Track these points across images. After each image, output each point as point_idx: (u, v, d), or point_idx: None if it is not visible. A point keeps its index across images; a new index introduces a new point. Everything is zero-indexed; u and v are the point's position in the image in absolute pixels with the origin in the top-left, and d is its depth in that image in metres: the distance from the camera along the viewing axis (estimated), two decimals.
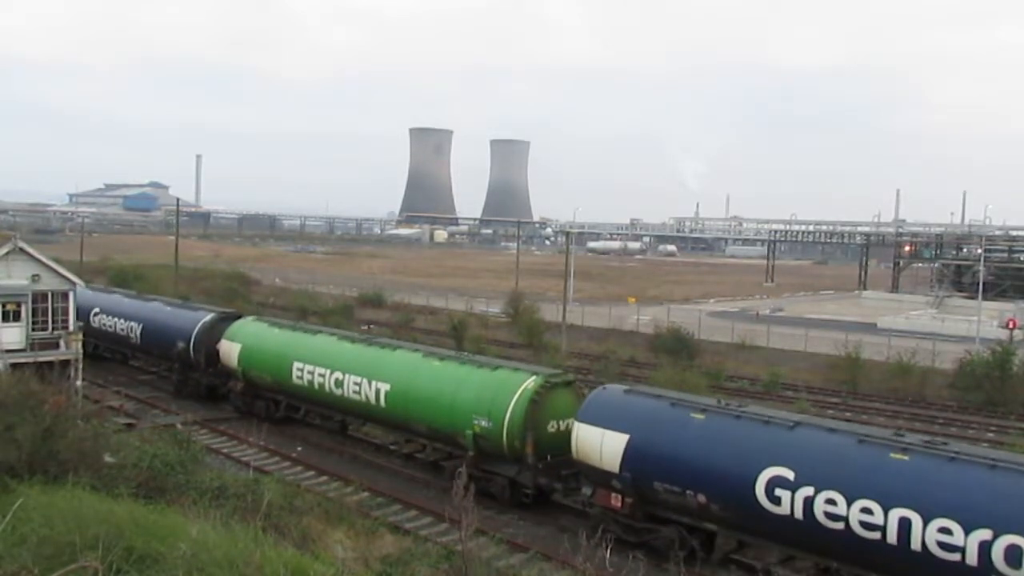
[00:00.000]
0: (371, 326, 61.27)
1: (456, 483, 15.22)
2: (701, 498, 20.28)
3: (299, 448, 32.27)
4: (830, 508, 17.94)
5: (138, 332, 42.72)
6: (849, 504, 17.65)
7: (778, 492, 18.76)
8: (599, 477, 22.62)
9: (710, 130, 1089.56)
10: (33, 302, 33.41)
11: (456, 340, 53.05)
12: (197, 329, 39.03)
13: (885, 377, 47.14)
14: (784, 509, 18.65)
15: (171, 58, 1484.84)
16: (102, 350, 46.47)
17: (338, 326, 46.46)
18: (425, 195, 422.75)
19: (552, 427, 25.34)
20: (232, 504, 20.04)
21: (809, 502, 18.25)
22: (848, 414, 40.30)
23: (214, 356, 37.77)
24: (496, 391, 25.98)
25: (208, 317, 39.65)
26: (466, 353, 31.98)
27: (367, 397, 29.84)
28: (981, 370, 44.44)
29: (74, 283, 34.99)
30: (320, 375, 31.80)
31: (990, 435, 37.48)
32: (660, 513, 21.65)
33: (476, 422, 26.05)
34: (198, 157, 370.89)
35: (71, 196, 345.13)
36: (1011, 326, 60.31)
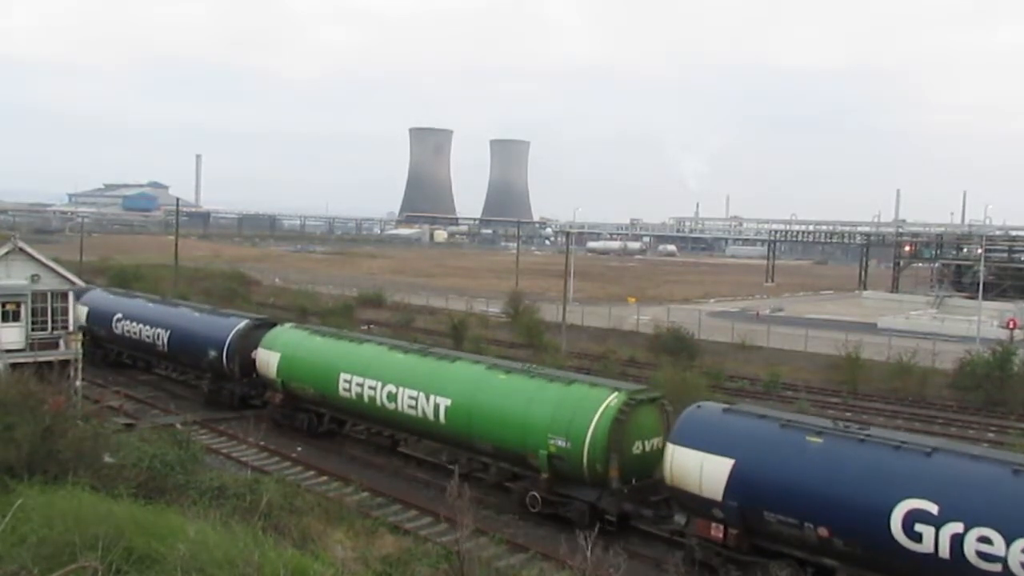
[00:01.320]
0: (371, 326, 61.26)
1: (451, 483, 15.20)
2: (823, 531, 18.58)
3: (299, 448, 32.25)
4: (984, 547, 16.29)
5: (165, 339, 41.10)
6: (1008, 543, 16.00)
7: (918, 527, 17.06)
8: (698, 505, 20.87)
9: (710, 130, 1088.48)
10: (33, 302, 33.41)
11: (456, 340, 53.05)
12: (231, 337, 37.24)
13: (885, 377, 47.11)
14: (926, 547, 17.00)
15: (171, 58, 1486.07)
16: (125, 357, 45.38)
17: (339, 326, 46.39)
18: (425, 195, 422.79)
19: (637, 448, 23.56)
20: (232, 504, 20.06)
21: (958, 540, 16.59)
22: (848, 414, 40.25)
23: (249, 365, 36.18)
24: (575, 408, 24.03)
25: (242, 324, 37.83)
26: (533, 365, 29.64)
27: (424, 412, 27.91)
28: (981, 370, 44.42)
29: (74, 283, 35.01)
30: (371, 388, 29.80)
31: (990, 435, 37.46)
32: (769, 546, 19.91)
33: (552, 442, 24.08)
34: (198, 157, 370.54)
35: (71, 196, 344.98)
36: (1011, 326, 60.26)
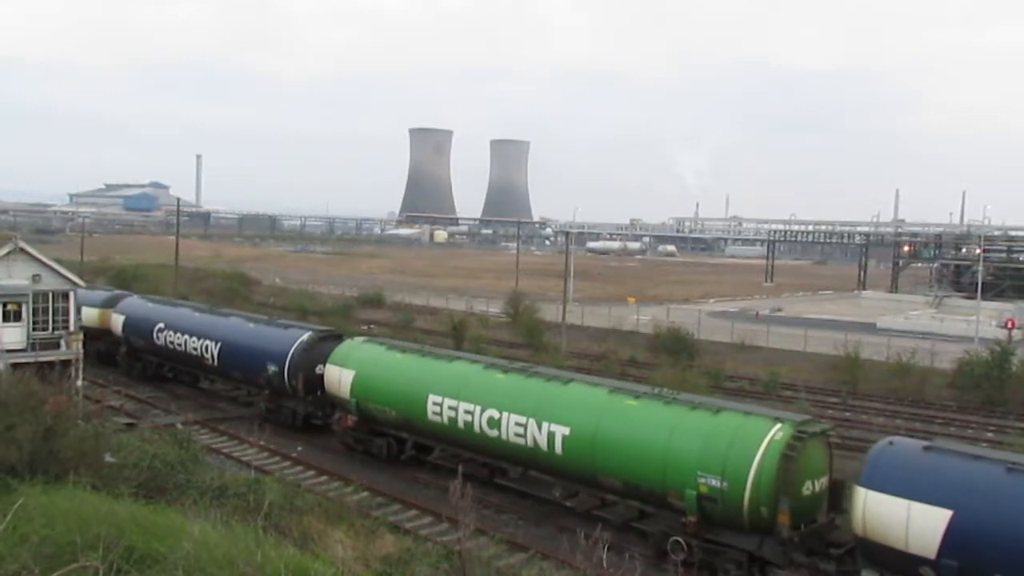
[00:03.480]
0: (371, 326, 61.32)
1: (454, 483, 15.21)
2: None
3: (299, 448, 32.30)
4: None
5: (215, 352, 38.04)
6: None
7: None
8: (900, 562, 18.22)
9: (710, 130, 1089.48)
10: (34, 302, 33.50)
11: (456, 340, 53.14)
12: (293, 350, 34.17)
13: (884, 377, 47.19)
14: None
15: (171, 58, 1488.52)
16: (167, 370, 43.01)
17: (338, 326, 46.40)
18: (425, 195, 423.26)
19: (807, 489, 20.63)
20: (232, 504, 20.12)
21: None
22: (848, 414, 40.35)
23: (314, 382, 33.26)
24: (731, 442, 21.01)
25: (305, 336, 34.71)
26: (664, 388, 26.02)
27: (535, 442, 24.62)
28: (980, 370, 44.48)
29: (75, 283, 35.10)
30: (467, 412, 26.52)
31: (989, 435, 37.51)
32: None
33: (703, 481, 21.02)
34: (198, 157, 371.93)
35: (71, 196, 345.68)
36: (1010, 326, 60.37)
